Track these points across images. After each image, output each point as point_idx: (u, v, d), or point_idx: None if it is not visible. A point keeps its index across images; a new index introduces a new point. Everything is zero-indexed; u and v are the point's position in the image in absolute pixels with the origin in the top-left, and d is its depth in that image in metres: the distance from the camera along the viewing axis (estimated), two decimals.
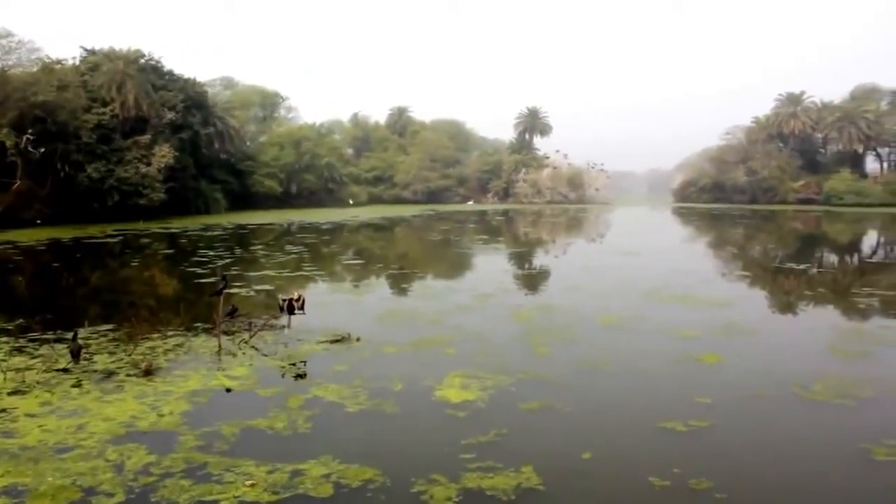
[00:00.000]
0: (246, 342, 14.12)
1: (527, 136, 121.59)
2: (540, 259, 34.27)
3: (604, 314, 17.52)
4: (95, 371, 11.99)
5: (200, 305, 18.79)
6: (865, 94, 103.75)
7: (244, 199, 77.75)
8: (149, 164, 57.05)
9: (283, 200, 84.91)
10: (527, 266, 30.93)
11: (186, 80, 69.43)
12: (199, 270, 25.52)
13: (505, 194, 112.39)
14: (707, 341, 14.61)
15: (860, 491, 7.75)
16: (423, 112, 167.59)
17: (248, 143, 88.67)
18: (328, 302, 19.53)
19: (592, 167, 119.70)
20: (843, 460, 8.54)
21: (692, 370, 12.46)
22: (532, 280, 26.05)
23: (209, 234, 44.52)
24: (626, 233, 53.87)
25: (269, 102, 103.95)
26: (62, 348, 13.23)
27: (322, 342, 14.13)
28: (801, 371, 12.31)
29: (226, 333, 14.50)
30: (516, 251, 38.20)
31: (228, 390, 11.08)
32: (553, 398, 10.58)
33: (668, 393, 11.13)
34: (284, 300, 15.57)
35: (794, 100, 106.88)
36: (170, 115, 61.87)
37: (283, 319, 15.57)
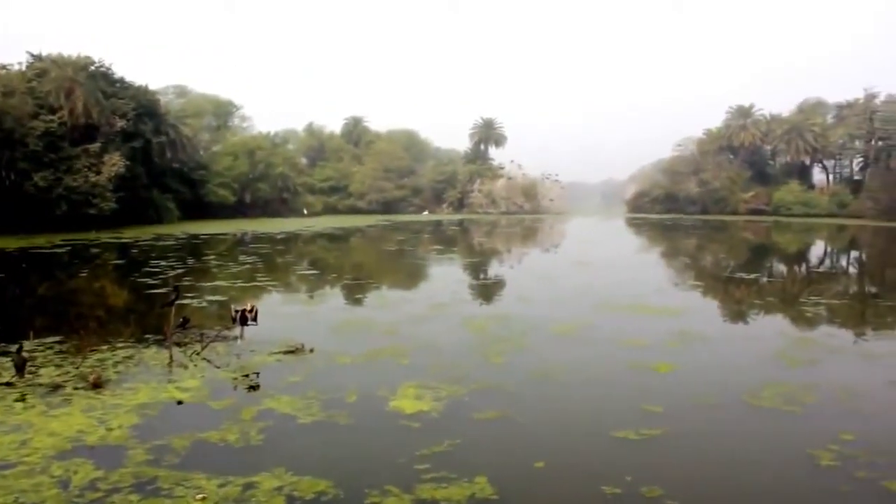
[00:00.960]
0: (198, 354, 13.93)
1: (482, 147, 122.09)
2: (495, 269, 34.41)
3: (557, 324, 17.65)
4: (41, 385, 11.71)
5: (152, 317, 18.53)
6: (812, 108, 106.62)
7: (197, 208, 76.71)
8: (99, 173, 55.90)
9: (237, 210, 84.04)
10: (481, 276, 31.03)
11: (138, 88, 68.38)
12: (150, 281, 25.12)
13: (460, 204, 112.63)
14: (659, 350, 14.81)
15: (806, 496, 7.94)
16: (379, 122, 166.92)
17: (201, 153, 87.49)
18: (282, 313, 19.38)
19: (547, 178, 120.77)
20: (790, 466, 8.72)
21: (644, 379, 12.60)
22: (487, 290, 26.14)
23: (161, 244, 43.85)
24: (580, 243, 54.39)
25: (222, 111, 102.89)
26: (6, 361, 12.91)
27: (275, 353, 14.00)
28: (750, 379, 12.55)
29: (177, 345, 14.31)
30: (471, 261, 38.31)
31: (180, 403, 10.92)
32: (507, 408, 10.63)
33: (620, 402, 11.24)
34: (237, 311, 15.40)
35: (743, 112, 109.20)
36: (120, 123, 60.77)
37: (236, 331, 15.40)
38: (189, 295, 21.62)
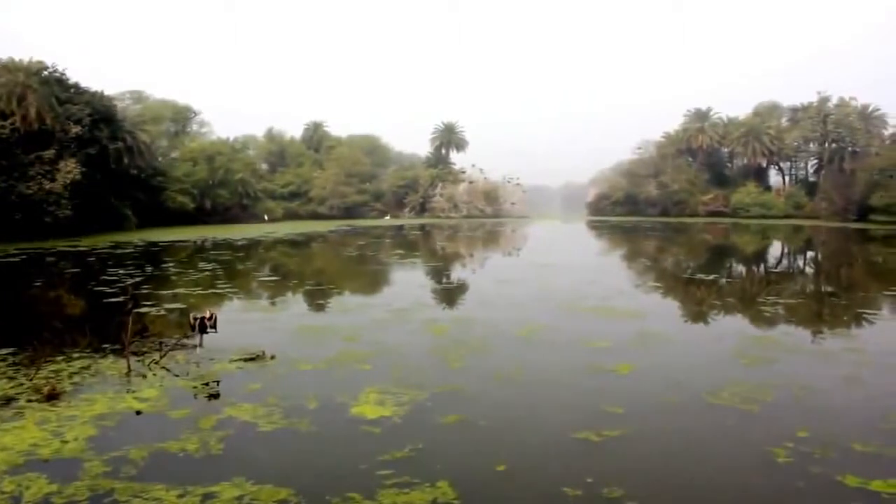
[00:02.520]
0: (156, 363, 13.71)
1: (443, 151, 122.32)
2: (456, 273, 34.46)
3: (519, 327, 17.71)
4: None
5: (109, 326, 18.20)
6: (767, 111, 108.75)
7: (156, 215, 75.68)
8: (54, 180, 54.89)
9: (197, 217, 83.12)
10: (443, 280, 31.05)
11: (93, 94, 67.33)
12: (107, 290, 24.69)
13: (422, 209, 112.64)
14: (620, 351, 14.92)
15: (762, 492, 8.04)
16: (340, 127, 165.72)
17: (159, 159, 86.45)
18: (242, 320, 19.19)
19: (508, 181, 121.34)
20: (747, 463, 8.84)
21: (605, 380, 12.69)
22: (448, 294, 26.16)
23: (119, 251, 43.18)
24: (541, 246, 54.68)
25: (180, 117, 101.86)
26: None
27: (235, 361, 13.86)
28: (710, 378, 12.70)
29: (135, 354, 14.08)
30: (433, 265, 38.32)
31: (138, 413, 10.74)
32: (468, 411, 10.64)
33: (581, 403, 11.31)
34: (196, 318, 15.19)
35: (701, 115, 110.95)
36: (76, 130, 59.73)
37: (196, 339, 15.21)
38: (147, 303, 21.32)
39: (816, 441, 9.38)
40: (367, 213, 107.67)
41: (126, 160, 72.39)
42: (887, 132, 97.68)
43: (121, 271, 30.80)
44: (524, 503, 7.76)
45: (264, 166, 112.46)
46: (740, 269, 37.51)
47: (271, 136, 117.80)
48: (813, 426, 10.01)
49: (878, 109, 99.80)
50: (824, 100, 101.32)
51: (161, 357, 14.01)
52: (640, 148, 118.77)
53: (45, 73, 62.08)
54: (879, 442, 9.41)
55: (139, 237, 57.04)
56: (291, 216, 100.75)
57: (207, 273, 30.96)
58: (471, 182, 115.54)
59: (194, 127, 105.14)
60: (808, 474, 8.37)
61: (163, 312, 20.22)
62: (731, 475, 8.54)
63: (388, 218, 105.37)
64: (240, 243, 52.28)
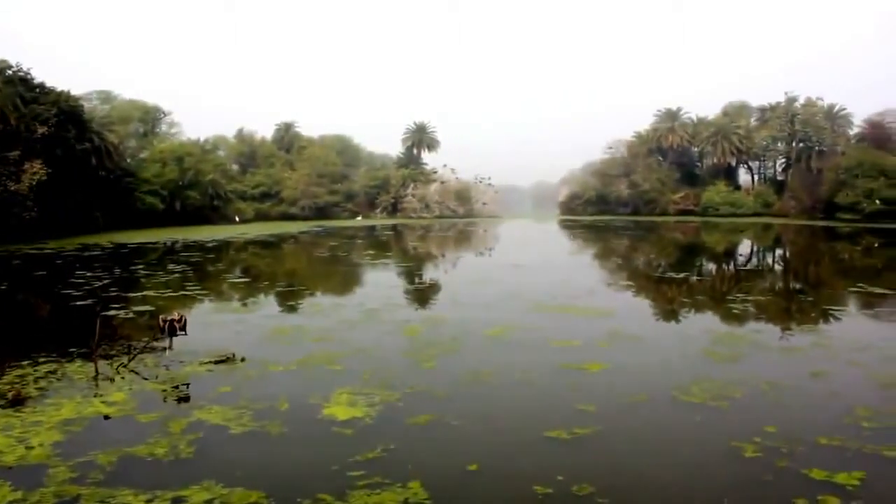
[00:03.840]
0: (125, 366, 13.56)
1: (415, 151, 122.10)
2: (428, 273, 34.45)
3: (491, 326, 17.74)
4: None
5: (76, 329, 17.96)
6: (736, 111, 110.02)
7: (125, 217, 74.70)
8: (18, 181, 54.03)
9: (167, 218, 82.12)
10: (415, 281, 31.03)
11: (59, 94, 66.31)
12: (74, 293, 24.38)
13: (393, 209, 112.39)
14: (591, 350, 15.02)
15: (730, 486, 8.13)
16: (311, 127, 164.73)
17: (128, 160, 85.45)
18: (212, 322, 19.03)
19: (480, 181, 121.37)
20: (715, 459, 8.96)
21: (577, 379, 12.75)
22: (420, 294, 26.14)
23: (87, 254, 42.62)
24: (513, 246, 54.84)
25: (149, 117, 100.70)
26: None
27: (205, 363, 13.75)
28: (680, 376, 12.84)
29: (103, 358, 13.92)
30: (405, 266, 38.27)
31: (106, 417, 10.62)
32: (440, 411, 10.64)
33: (553, 402, 11.36)
34: (165, 321, 15.07)
35: (671, 115, 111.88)
36: (41, 130, 58.85)
37: (165, 341, 15.07)
38: (116, 306, 21.10)
39: (783, 436, 9.51)
40: (339, 213, 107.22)
41: (94, 161, 71.45)
42: (852, 132, 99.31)
43: (88, 274, 30.41)
44: (495, 502, 7.79)
45: (235, 167, 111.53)
46: (710, 267, 37.90)
47: (242, 136, 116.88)
48: (780, 421, 10.15)
49: (843, 109, 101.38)
50: (791, 100, 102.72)
51: (129, 360, 13.85)
52: (611, 147, 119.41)
53: (9, 72, 61.14)
54: (844, 436, 9.57)
55: (108, 239, 56.35)
56: (262, 217, 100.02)
57: (177, 275, 30.68)
58: (442, 182, 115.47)
59: (164, 127, 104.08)
60: (774, 468, 8.49)
61: (131, 315, 20.01)
62: (700, 470, 8.66)
63: (359, 218, 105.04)
64: (210, 245, 51.85)
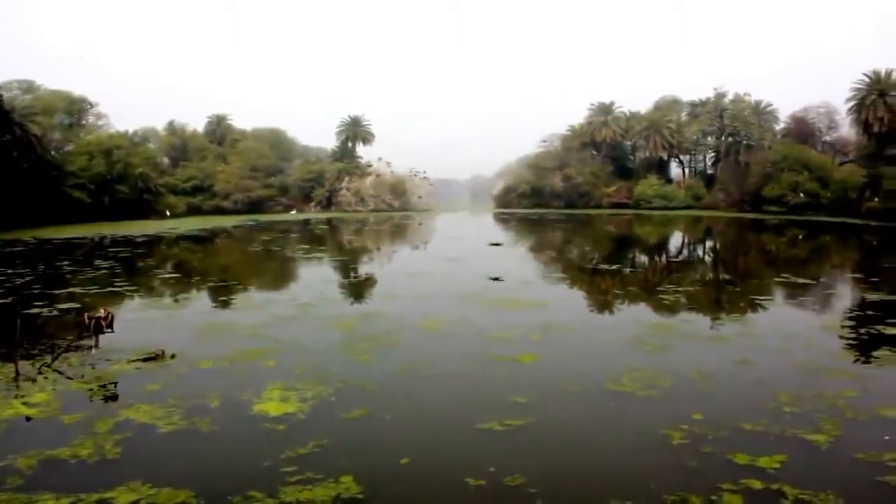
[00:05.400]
0: (48, 366, 13.16)
1: (349, 144, 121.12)
2: (363, 267, 34.29)
3: (424, 320, 17.77)
4: None
5: None
6: (668, 106, 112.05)
7: (51, 211, 72.34)
8: None
9: (95, 213, 79.83)
10: (350, 275, 30.85)
11: None
12: None
13: (328, 203, 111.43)
14: (525, 342, 15.15)
15: (658, 472, 8.34)
16: (244, 120, 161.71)
17: (52, 153, 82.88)
18: (141, 318, 18.62)
19: (415, 175, 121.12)
20: (644, 446, 9.16)
21: (510, 370, 12.85)
22: (354, 288, 26.01)
23: (8, 250, 41.23)
24: (448, 239, 54.89)
25: (75, 109, 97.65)
26: None
27: (133, 361, 13.45)
28: (611, 366, 13.07)
29: (24, 357, 13.48)
30: (339, 260, 38.00)
31: (28, 419, 10.30)
32: (373, 405, 10.62)
33: (486, 394, 11.44)
34: (91, 318, 14.66)
35: (604, 109, 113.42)
36: None
37: (91, 339, 14.67)
38: (39, 304, 20.45)
39: (710, 423, 9.78)
40: (273, 207, 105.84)
41: (16, 153, 69.10)
42: (778, 126, 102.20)
43: (9, 270, 29.41)
44: (427, 494, 7.82)
45: (165, 160, 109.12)
46: (643, 258, 38.58)
47: (172, 129, 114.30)
48: (707, 409, 10.42)
49: (770, 105, 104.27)
50: (721, 95, 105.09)
51: (53, 360, 13.45)
52: (545, 141, 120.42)
53: None
54: (767, 421, 9.89)
55: (31, 234, 54.56)
56: (194, 211, 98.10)
57: (105, 271, 29.88)
58: (378, 175, 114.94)
59: (90, 119, 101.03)
60: (700, 454, 8.74)
61: (55, 313, 19.42)
62: (629, 458, 8.84)
63: (294, 212, 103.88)
64: (140, 240, 50.69)
